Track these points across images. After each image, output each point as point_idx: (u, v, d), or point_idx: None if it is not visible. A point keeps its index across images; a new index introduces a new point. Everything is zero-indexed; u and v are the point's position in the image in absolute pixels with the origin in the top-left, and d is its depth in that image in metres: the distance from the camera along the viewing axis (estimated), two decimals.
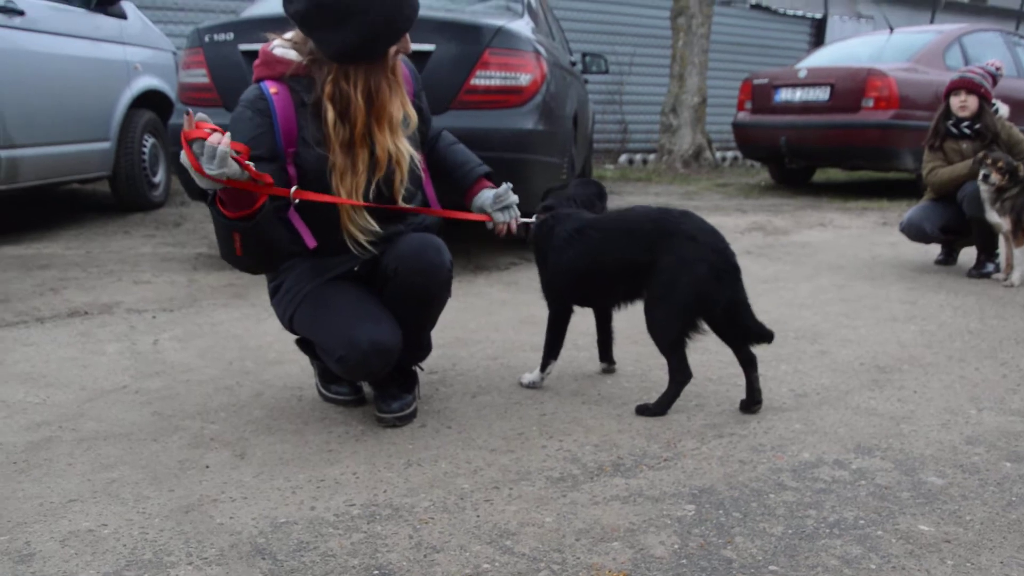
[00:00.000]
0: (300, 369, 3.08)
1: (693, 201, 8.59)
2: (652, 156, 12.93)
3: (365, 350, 2.34)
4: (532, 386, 2.88)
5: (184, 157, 2.07)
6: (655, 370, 3.03)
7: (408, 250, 2.41)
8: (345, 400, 2.73)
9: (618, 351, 3.29)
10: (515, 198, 2.65)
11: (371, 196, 2.37)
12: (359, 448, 2.40)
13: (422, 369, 2.84)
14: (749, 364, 2.69)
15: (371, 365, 2.39)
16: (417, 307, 2.49)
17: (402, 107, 2.39)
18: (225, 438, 2.47)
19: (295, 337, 2.73)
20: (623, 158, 13.24)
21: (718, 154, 13.06)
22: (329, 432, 2.52)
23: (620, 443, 2.43)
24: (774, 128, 9.09)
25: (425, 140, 2.69)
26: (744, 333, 2.65)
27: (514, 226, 2.67)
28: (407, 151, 2.40)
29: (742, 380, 2.84)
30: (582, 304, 2.89)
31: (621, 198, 8.74)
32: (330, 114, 2.28)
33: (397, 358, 2.46)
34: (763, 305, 4.11)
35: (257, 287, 4.32)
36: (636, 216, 2.69)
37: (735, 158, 13.76)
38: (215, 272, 4.77)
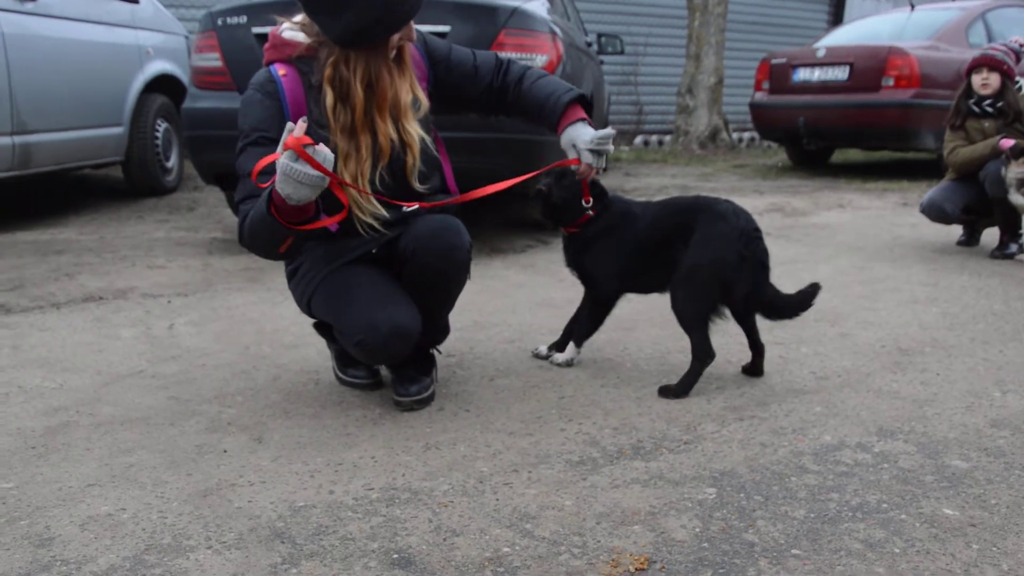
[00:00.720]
0: (316, 353, 3.08)
1: (710, 183, 8.54)
2: (668, 137, 12.86)
3: (385, 333, 2.35)
4: (568, 364, 2.92)
5: (293, 161, 2.02)
6: (674, 353, 3.02)
7: (426, 231, 2.41)
8: (362, 384, 2.73)
9: (637, 334, 3.28)
10: (611, 148, 2.53)
11: (377, 182, 2.37)
12: (377, 432, 2.40)
13: (439, 352, 2.84)
14: (757, 351, 2.83)
15: (391, 349, 2.39)
16: (435, 289, 2.49)
17: (411, 91, 2.38)
18: (242, 422, 2.48)
19: (312, 321, 2.73)
20: (639, 139, 13.18)
21: (735, 135, 12.97)
22: (347, 416, 2.52)
23: (640, 426, 2.42)
24: (792, 108, 9.02)
25: (476, 96, 2.62)
26: (769, 309, 2.75)
27: (594, 174, 2.58)
28: (417, 134, 2.39)
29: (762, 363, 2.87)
30: (632, 289, 2.87)
31: (637, 180, 8.70)
32: (329, 97, 2.29)
33: (416, 341, 2.46)
34: (782, 287, 4.05)
35: (272, 271, 4.33)
36: (679, 198, 2.79)
37: (752, 139, 13.68)
38: (230, 256, 4.78)
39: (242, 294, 3.97)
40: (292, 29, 2.37)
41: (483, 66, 2.61)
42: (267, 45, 2.40)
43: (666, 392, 2.65)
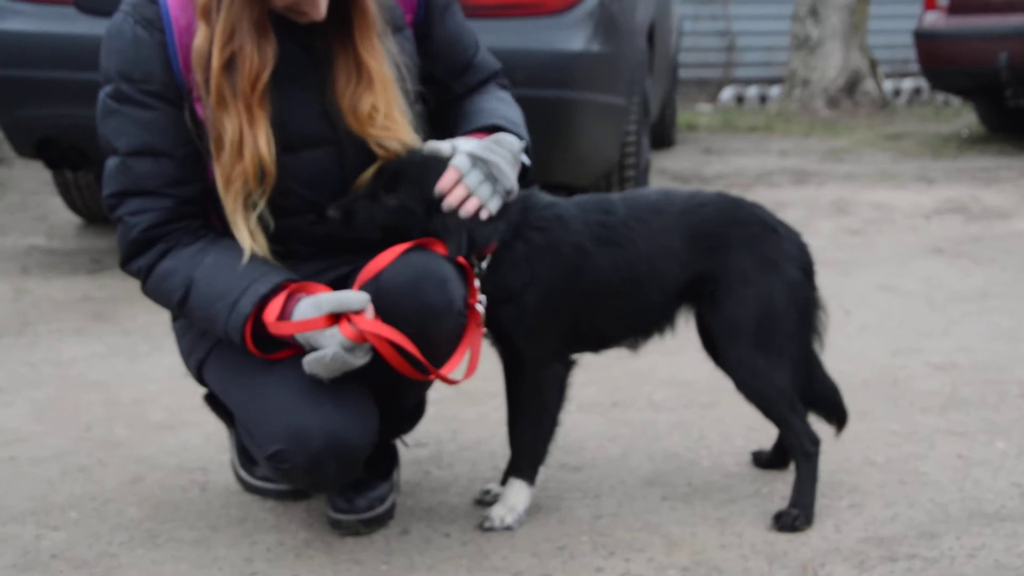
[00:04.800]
0: (204, 439, 3.13)
1: (844, 164, 8.61)
2: (775, 90, 12.94)
3: (316, 450, 2.38)
4: (518, 523, 2.68)
5: (349, 352, 2.29)
6: (771, 442, 3.03)
7: (398, 283, 2.40)
8: (278, 491, 2.78)
9: (720, 413, 3.32)
10: (508, 169, 2.51)
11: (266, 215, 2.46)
12: (301, 570, 2.44)
13: (406, 444, 2.89)
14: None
15: (324, 472, 2.43)
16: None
17: (382, 99, 2.47)
18: (77, 555, 2.50)
19: (203, 388, 2.78)
20: (727, 93, 13.26)
21: (888, 85, 13.03)
22: (252, 544, 2.56)
23: (724, 566, 2.46)
24: (988, 38, 9.01)
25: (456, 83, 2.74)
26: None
27: (475, 207, 2.47)
28: (400, 143, 2.50)
29: (925, 467, 2.95)
30: (584, 348, 2.84)
31: (722, 160, 8.73)
32: (201, 35, 2.36)
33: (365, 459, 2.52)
34: (962, 338, 4.14)
35: (132, 303, 4.35)
36: (683, 196, 2.79)
37: (917, 91, 13.69)
38: (60, 278, 4.84)
39: (81, 340, 4.03)
40: None
41: (480, 64, 2.78)
42: None
43: (786, 523, 2.65)
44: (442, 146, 2.54)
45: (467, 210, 2.44)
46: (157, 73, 2.39)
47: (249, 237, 2.39)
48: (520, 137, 2.61)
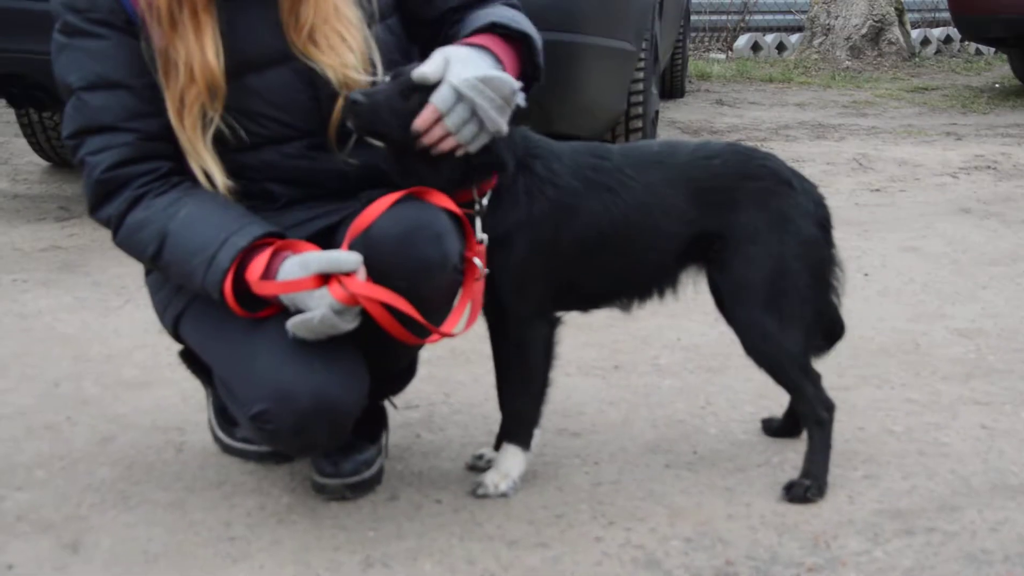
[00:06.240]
0: (180, 397, 3.13)
1: (866, 118, 8.59)
2: (795, 38, 12.89)
3: (303, 411, 2.37)
4: (512, 490, 2.71)
5: (338, 314, 2.26)
6: (781, 409, 3.04)
7: (389, 236, 2.39)
8: (259, 453, 2.78)
9: (728, 379, 3.34)
10: (496, 117, 2.37)
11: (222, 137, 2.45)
12: (283, 535, 2.44)
13: (395, 405, 2.89)
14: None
15: (311, 435, 2.42)
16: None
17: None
18: (44, 516, 2.51)
19: (179, 345, 2.78)
20: (742, 41, 13.21)
21: (915, 33, 12.98)
22: (232, 507, 2.57)
23: (731, 538, 2.47)
24: None
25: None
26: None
27: (451, 147, 2.40)
28: (342, 69, 2.44)
29: (946, 437, 2.95)
30: (569, 307, 2.83)
31: (736, 112, 8.70)
32: None
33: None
34: (988, 303, 4.14)
35: (102, 253, 4.35)
36: (689, 147, 2.78)
37: (946, 40, 13.64)
38: (25, 225, 4.84)
39: (48, 292, 4.02)
40: None
41: None
42: None
43: (797, 494, 2.66)
44: (429, 70, 2.37)
45: (441, 150, 2.37)
46: (106, 3, 2.38)
47: (213, 163, 2.39)
48: (526, 35, 2.53)
